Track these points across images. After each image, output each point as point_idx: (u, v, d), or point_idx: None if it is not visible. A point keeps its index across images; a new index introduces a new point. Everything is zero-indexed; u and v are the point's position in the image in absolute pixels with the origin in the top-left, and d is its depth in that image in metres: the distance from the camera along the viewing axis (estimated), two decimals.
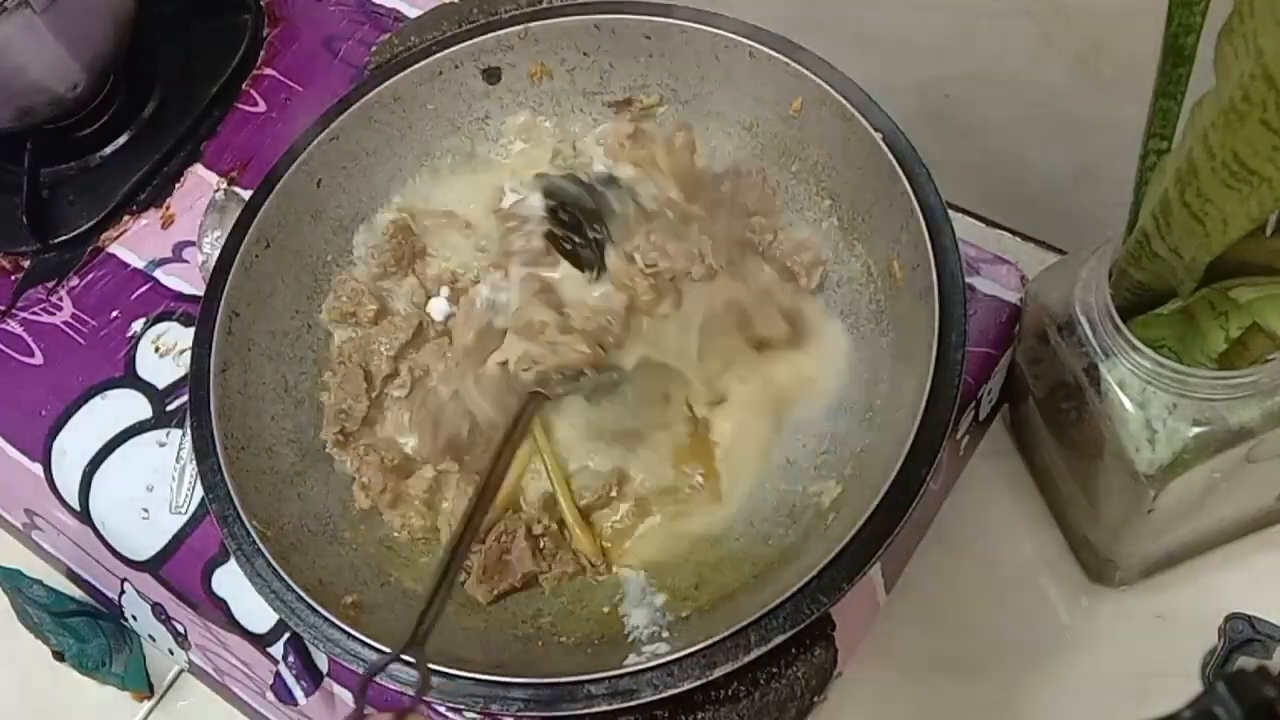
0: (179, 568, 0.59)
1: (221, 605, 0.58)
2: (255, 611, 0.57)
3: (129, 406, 0.64)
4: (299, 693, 0.55)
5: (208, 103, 0.75)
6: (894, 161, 0.51)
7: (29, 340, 0.68)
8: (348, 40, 0.76)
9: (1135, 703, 0.54)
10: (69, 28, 0.67)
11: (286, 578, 0.47)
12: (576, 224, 0.54)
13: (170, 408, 0.64)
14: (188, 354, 0.56)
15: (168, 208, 0.72)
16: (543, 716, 0.44)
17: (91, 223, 0.71)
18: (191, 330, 0.55)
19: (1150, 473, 0.47)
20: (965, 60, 0.66)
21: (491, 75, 0.62)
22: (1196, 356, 0.46)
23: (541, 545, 0.53)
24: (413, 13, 0.75)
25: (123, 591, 0.64)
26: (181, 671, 0.69)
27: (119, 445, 0.63)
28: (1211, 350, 0.45)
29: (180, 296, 0.68)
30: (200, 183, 0.72)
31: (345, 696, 0.55)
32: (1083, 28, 0.60)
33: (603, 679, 0.43)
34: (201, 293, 0.57)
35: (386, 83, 0.60)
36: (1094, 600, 0.58)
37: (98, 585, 0.67)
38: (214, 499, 0.50)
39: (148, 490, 0.61)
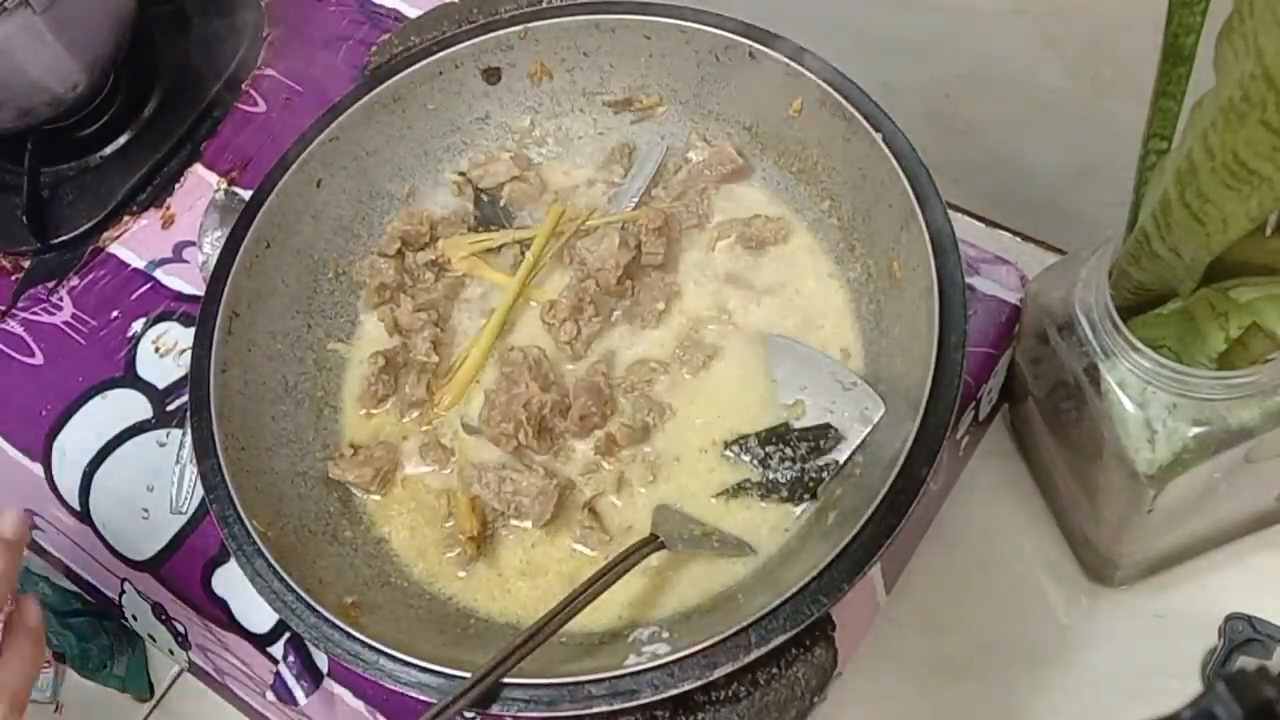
0: (179, 568, 0.60)
1: (221, 605, 0.58)
2: (255, 611, 0.57)
3: (129, 406, 0.64)
4: (299, 693, 0.55)
5: (208, 103, 0.75)
6: (894, 161, 0.51)
7: (29, 340, 0.68)
8: (348, 40, 0.76)
9: (1135, 703, 0.54)
10: (69, 28, 0.67)
11: (286, 578, 0.48)
12: None
13: (170, 408, 0.64)
14: (188, 354, 0.56)
15: (168, 208, 0.72)
16: (543, 717, 0.44)
17: (91, 223, 0.71)
18: (191, 330, 0.55)
19: (1150, 473, 0.47)
20: (965, 60, 0.66)
21: (491, 75, 0.62)
22: (1196, 356, 0.46)
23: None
24: (413, 13, 0.75)
25: (123, 591, 0.64)
26: (181, 671, 0.69)
27: (119, 445, 0.63)
28: (1211, 350, 0.45)
29: (180, 296, 0.68)
30: (200, 183, 0.72)
31: (345, 696, 0.55)
32: (1083, 28, 0.60)
33: (603, 679, 0.43)
34: (201, 293, 0.57)
35: (386, 83, 0.60)
36: (1094, 600, 0.58)
37: (98, 585, 0.67)
38: (214, 499, 0.50)
39: (148, 490, 0.61)
